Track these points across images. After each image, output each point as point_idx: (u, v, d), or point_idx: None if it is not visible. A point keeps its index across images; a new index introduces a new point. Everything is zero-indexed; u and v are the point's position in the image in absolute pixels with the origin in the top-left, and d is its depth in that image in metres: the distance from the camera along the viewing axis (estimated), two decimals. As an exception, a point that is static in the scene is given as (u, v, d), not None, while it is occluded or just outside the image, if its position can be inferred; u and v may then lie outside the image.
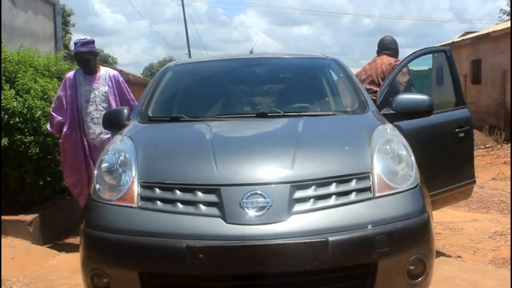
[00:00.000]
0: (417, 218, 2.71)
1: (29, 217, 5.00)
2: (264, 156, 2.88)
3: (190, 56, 31.69)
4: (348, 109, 3.80)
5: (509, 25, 16.74)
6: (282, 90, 4.37)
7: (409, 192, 2.79)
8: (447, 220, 6.07)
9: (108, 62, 34.99)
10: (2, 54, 5.21)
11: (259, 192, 2.59)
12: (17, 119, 4.87)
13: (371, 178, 2.75)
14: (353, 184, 2.71)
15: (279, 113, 3.53)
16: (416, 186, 2.83)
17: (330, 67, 4.34)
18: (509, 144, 13.21)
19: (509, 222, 5.73)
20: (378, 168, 2.79)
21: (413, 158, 2.95)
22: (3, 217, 5.05)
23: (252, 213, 2.54)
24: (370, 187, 2.71)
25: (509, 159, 10.62)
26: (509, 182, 8.29)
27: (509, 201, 6.98)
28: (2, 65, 4.99)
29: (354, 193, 2.68)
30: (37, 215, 5.06)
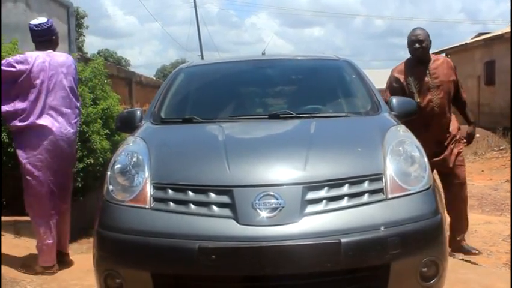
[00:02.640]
0: (430, 220, 2.70)
1: (42, 218, 5.03)
2: (277, 157, 2.88)
3: (202, 58, 31.78)
4: (361, 110, 3.79)
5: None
6: (295, 92, 4.36)
7: (422, 193, 2.78)
8: (460, 222, 6.02)
9: (121, 64, 35.17)
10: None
11: (271, 193, 2.59)
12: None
13: (383, 179, 2.74)
14: (365, 185, 2.70)
15: (292, 114, 3.53)
16: (429, 188, 2.82)
17: (343, 68, 4.33)
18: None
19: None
20: (391, 169, 2.78)
21: (425, 159, 2.94)
22: (18, 218, 5.10)
23: (264, 214, 2.54)
24: (383, 188, 2.70)
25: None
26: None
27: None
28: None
29: (366, 194, 2.67)
30: (51, 215, 5.08)
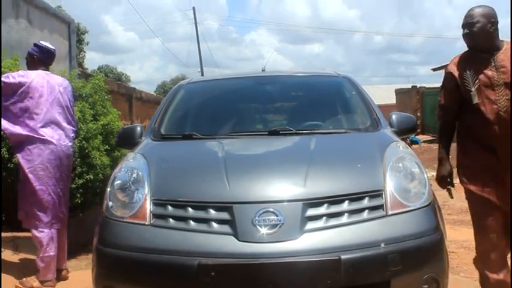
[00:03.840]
0: (431, 237, 2.70)
1: (41, 234, 5.01)
2: (276, 174, 2.88)
3: (202, 74, 31.89)
4: (361, 127, 3.79)
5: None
6: (295, 108, 4.37)
7: (422, 210, 2.78)
8: (461, 239, 5.99)
9: (121, 79, 35.29)
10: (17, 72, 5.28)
11: (271, 210, 2.59)
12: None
13: (383, 196, 2.74)
14: (365, 202, 2.70)
15: (291, 130, 3.54)
16: (429, 204, 2.82)
17: (343, 85, 4.34)
18: None
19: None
20: (390, 186, 2.78)
21: (425, 175, 2.94)
22: (16, 234, 5.08)
23: (264, 231, 2.54)
24: (383, 205, 2.70)
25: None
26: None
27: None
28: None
29: (366, 211, 2.67)
30: (50, 231, 5.07)
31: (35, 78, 4.42)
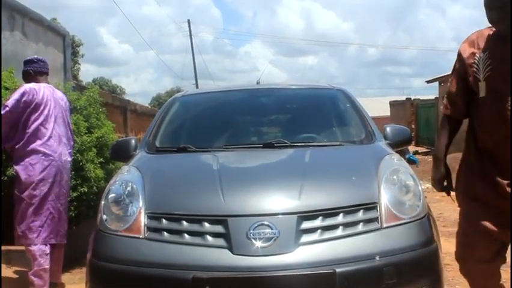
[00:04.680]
0: (426, 249, 2.70)
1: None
2: (271, 186, 2.88)
3: (197, 86, 31.94)
4: (355, 139, 3.80)
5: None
6: (289, 121, 4.38)
7: (417, 222, 2.78)
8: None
9: (116, 92, 35.29)
10: (13, 84, 5.27)
11: (266, 223, 2.58)
12: (26, 149, 4.89)
13: (378, 208, 2.74)
14: (360, 215, 2.70)
15: (286, 143, 3.54)
16: (424, 217, 2.82)
17: (337, 97, 4.36)
18: None
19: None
20: (385, 198, 2.78)
21: (420, 188, 2.94)
22: (9, 247, 5.05)
23: (259, 244, 2.53)
24: (377, 217, 2.70)
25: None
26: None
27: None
28: (12, 96, 5.04)
29: (361, 224, 2.67)
30: (43, 245, 5.04)
31: (45, 91, 4.46)
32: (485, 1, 2.59)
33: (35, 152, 4.32)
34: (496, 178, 2.67)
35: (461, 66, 2.78)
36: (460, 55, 2.79)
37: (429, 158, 13.72)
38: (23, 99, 4.32)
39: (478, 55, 2.68)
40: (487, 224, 2.73)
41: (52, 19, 13.86)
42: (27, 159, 4.31)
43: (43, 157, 4.34)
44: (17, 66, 6.20)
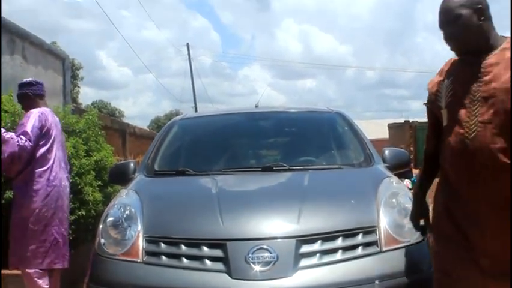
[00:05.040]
0: (426, 272, 2.68)
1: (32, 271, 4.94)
2: (270, 210, 2.88)
3: (196, 109, 31.99)
4: (354, 162, 3.81)
5: None
6: (288, 144, 4.39)
7: (417, 245, 2.77)
8: (456, 274, 5.95)
9: (115, 115, 35.37)
10: (12, 107, 5.29)
11: (264, 247, 2.57)
12: (24, 172, 4.89)
13: (377, 232, 2.73)
14: (359, 238, 2.69)
15: (285, 166, 3.54)
16: (423, 240, 2.81)
17: (336, 120, 4.37)
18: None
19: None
20: (384, 221, 2.78)
21: (419, 211, 2.93)
22: (5, 271, 5.00)
23: (257, 268, 2.52)
24: (377, 241, 2.69)
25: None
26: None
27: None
28: (12, 119, 5.05)
29: (360, 247, 2.66)
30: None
31: (49, 116, 4.42)
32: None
33: (39, 177, 4.26)
34: (458, 217, 2.31)
35: (429, 96, 2.58)
36: (428, 85, 2.60)
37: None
38: (40, 125, 4.27)
39: (443, 82, 2.46)
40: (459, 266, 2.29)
41: (52, 43, 13.97)
42: (31, 185, 4.25)
43: (47, 183, 4.28)
44: (17, 90, 6.23)
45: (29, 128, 4.20)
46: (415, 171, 8.86)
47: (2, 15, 7.60)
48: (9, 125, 4.89)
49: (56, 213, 4.35)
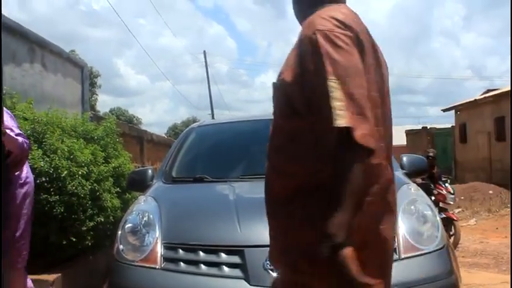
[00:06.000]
0: (445, 280, 2.65)
1: (51, 277, 4.98)
2: None
3: (213, 116, 32.09)
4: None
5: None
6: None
7: (436, 253, 2.74)
8: (476, 282, 5.89)
9: (132, 122, 35.63)
10: (31, 115, 5.35)
11: None
12: (43, 179, 4.94)
13: (395, 239, 2.71)
14: (377, 245, 2.67)
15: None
16: (443, 247, 2.78)
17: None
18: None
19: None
20: (403, 229, 2.76)
21: (438, 218, 2.91)
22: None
23: (275, 275, 2.50)
24: (395, 248, 2.67)
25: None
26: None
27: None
28: (31, 126, 5.11)
29: (379, 254, 2.64)
30: (59, 274, 5.04)
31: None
32: None
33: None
34: None
35: None
36: None
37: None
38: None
39: None
40: None
41: (71, 51, 14.13)
42: (22, 187, 3.86)
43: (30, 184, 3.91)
44: (37, 98, 6.32)
45: (18, 129, 4.11)
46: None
47: (22, 24, 7.73)
48: (29, 132, 4.96)
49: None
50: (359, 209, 1.48)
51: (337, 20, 1.54)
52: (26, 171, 4.01)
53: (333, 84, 1.47)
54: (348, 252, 1.43)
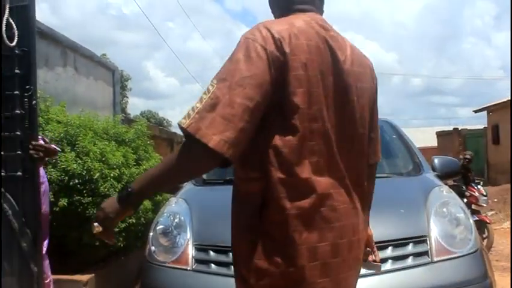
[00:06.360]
0: (479, 285, 2.61)
1: (84, 277, 5.06)
2: None
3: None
4: (402, 171, 3.75)
5: None
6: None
7: (469, 256, 2.70)
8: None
9: (163, 124, 35.94)
10: (65, 118, 5.45)
11: None
12: (77, 181, 5.03)
13: (428, 242, 2.68)
14: (409, 248, 2.65)
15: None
16: (476, 251, 2.74)
17: (383, 129, 4.32)
18: None
19: None
20: (435, 231, 2.73)
21: (471, 221, 2.87)
22: (61, 276, 5.15)
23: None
24: (427, 251, 2.65)
25: None
26: None
27: None
28: (64, 129, 5.21)
29: (411, 257, 2.62)
30: (92, 275, 5.12)
31: None
32: None
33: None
34: None
35: None
36: None
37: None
38: None
39: None
40: None
41: (102, 55, 14.34)
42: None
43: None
44: (69, 101, 6.42)
45: None
46: None
47: (54, 28, 7.87)
48: (62, 134, 5.05)
49: None
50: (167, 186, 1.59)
51: (270, 32, 1.54)
52: (41, 172, 4.09)
53: (209, 86, 1.52)
54: (123, 208, 1.59)
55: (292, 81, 1.51)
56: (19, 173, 3.38)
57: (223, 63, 1.55)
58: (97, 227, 1.59)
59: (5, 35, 3.05)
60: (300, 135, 1.51)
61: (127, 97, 26.78)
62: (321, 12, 1.77)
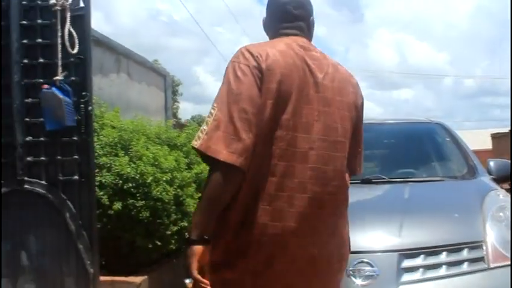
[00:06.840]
0: None
1: (138, 279, 5.16)
2: (370, 223, 2.84)
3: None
4: (457, 174, 3.68)
5: None
6: (387, 156, 4.31)
7: None
8: None
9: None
10: (119, 123, 5.58)
11: (366, 260, 2.55)
12: (130, 184, 5.13)
13: (484, 247, 2.62)
14: (464, 253, 2.60)
15: (384, 179, 3.49)
16: (535, 257, 2.66)
17: (436, 131, 4.25)
18: None
19: None
20: (491, 236, 2.66)
21: (530, 226, 2.78)
22: (115, 278, 5.27)
23: (358, 282, 2.50)
24: (484, 257, 2.59)
25: None
26: None
27: None
28: (118, 133, 5.33)
29: (466, 263, 2.57)
30: (146, 277, 5.21)
31: None
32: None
33: None
34: None
35: None
36: None
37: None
38: None
39: None
40: None
41: (154, 60, 14.59)
42: None
43: None
44: (123, 106, 6.57)
45: None
46: None
47: (108, 36, 8.07)
48: (116, 139, 5.18)
49: None
50: (214, 212, 1.71)
51: (250, 52, 1.79)
52: None
53: (211, 110, 1.77)
54: (195, 249, 1.71)
55: (264, 93, 1.74)
56: (76, 177, 3.53)
57: (219, 87, 1.80)
58: (188, 284, 1.79)
59: (68, 43, 3.17)
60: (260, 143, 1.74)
61: (178, 102, 27.07)
62: (308, 36, 1.99)
